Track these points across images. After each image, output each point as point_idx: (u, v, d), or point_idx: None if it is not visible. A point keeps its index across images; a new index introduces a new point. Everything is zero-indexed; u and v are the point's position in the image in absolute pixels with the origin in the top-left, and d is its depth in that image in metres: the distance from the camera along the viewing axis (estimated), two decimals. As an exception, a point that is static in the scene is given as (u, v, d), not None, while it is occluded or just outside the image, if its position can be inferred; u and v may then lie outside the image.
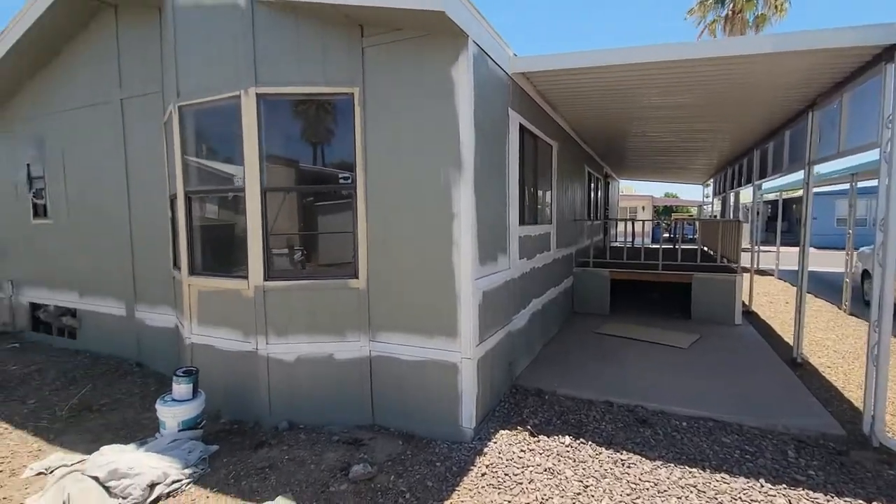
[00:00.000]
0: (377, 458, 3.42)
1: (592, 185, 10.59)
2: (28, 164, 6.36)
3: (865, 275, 8.84)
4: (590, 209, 10.04)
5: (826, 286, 11.33)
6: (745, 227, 12.72)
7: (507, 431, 3.78)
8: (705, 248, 11.85)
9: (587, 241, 9.34)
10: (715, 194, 14.42)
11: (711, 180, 14.96)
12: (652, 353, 5.71)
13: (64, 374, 5.20)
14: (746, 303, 8.47)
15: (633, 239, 14.32)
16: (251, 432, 3.86)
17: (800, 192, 27.94)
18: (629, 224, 14.65)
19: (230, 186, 4.05)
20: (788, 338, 6.62)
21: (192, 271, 4.28)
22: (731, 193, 11.91)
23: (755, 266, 8.56)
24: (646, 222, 15.83)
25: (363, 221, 3.86)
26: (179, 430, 3.50)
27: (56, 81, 5.93)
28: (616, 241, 15.93)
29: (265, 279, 3.87)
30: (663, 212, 42.59)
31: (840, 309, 8.64)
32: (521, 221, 4.91)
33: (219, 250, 4.35)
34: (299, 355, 3.93)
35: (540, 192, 5.89)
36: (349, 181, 3.87)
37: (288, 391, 3.95)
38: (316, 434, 3.78)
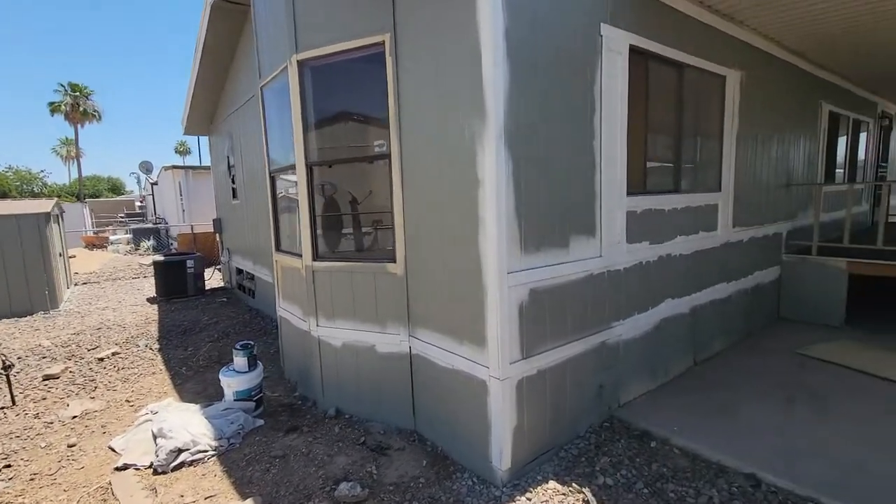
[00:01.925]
0: (386, 476, 2.89)
1: (844, 131, 7.15)
2: (227, 156, 7.90)
3: None
4: (831, 168, 6.82)
5: None
6: None
7: (559, 486, 2.71)
8: None
9: (822, 216, 6.37)
10: None
11: None
12: (888, 399, 3.40)
13: (228, 327, 6.33)
14: None
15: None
16: (304, 412, 3.82)
17: None
18: None
19: (290, 163, 3.99)
20: None
21: (278, 247, 4.47)
22: None
23: None
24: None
25: (399, 197, 3.26)
26: (235, 400, 3.69)
27: (232, 82, 7.09)
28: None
29: (313, 259, 3.70)
30: None
31: None
32: (635, 189, 3.45)
33: (291, 228, 4.42)
34: (344, 342, 3.66)
35: (691, 148, 4.09)
36: (384, 148, 3.30)
37: (336, 378, 3.75)
38: (352, 429, 3.48)
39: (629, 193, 3.36)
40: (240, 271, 8.21)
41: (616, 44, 3.11)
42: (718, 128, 4.30)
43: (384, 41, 3.15)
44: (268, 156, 4.40)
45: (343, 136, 3.75)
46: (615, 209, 3.26)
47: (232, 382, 3.69)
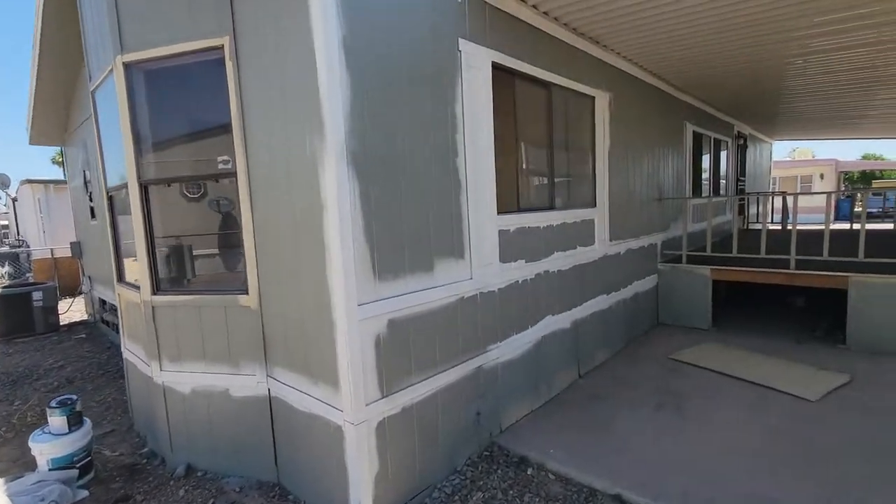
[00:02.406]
0: (230, 548, 2.47)
1: (707, 149, 7.94)
2: (83, 170, 6.85)
3: None
4: (698, 182, 7.51)
5: None
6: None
7: (426, 533, 2.48)
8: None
9: (692, 226, 6.96)
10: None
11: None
12: (749, 404, 3.65)
13: (75, 372, 5.38)
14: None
15: (786, 217, 10.77)
16: (147, 473, 3.23)
17: None
18: (791, 199, 11.44)
19: (121, 183, 3.42)
20: None
21: (120, 278, 3.83)
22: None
23: None
24: (830, 195, 11.79)
25: (248, 220, 2.88)
26: (51, 469, 3.02)
27: (85, 85, 6.16)
28: (770, 223, 12.26)
29: (153, 292, 3.16)
30: (858, 180, 33.04)
31: None
32: (507, 208, 3.39)
33: (129, 256, 3.82)
34: (194, 387, 3.15)
35: (565, 165, 4.18)
36: (229, 165, 2.91)
37: (185, 429, 3.22)
38: (202, 489, 2.99)
39: (500, 212, 3.28)
40: (103, 302, 7.11)
41: (477, 60, 3.03)
42: (591, 146, 4.45)
43: (223, 45, 2.78)
44: (103, 171, 3.77)
45: (185, 150, 3.28)
46: (486, 229, 3.15)
47: (46, 448, 3.01)
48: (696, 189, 7.45)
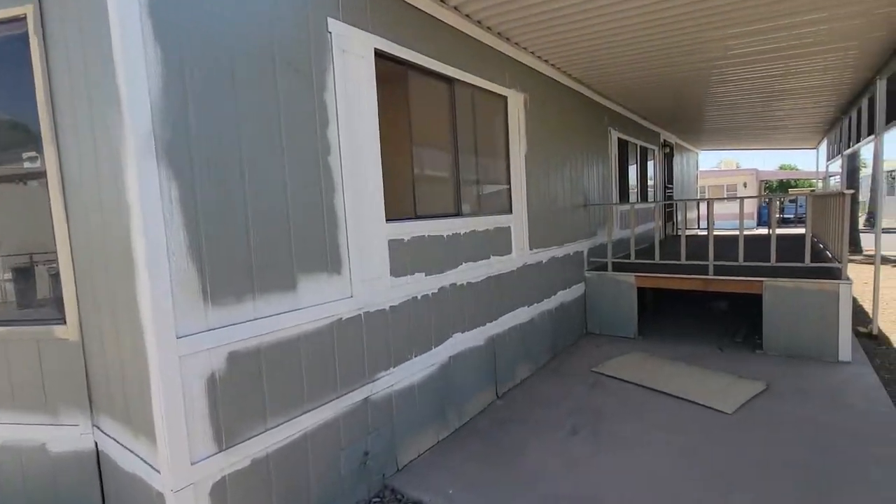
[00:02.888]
0: None
1: (634, 156, 8.00)
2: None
3: None
4: (625, 189, 7.52)
5: None
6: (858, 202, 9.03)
7: None
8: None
9: (620, 232, 6.91)
10: (830, 157, 10.68)
11: (825, 140, 11.15)
12: (666, 422, 3.44)
13: None
14: (868, 314, 5.51)
15: (708, 220, 11.16)
16: (-61, 558, 2.53)
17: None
18: (718, 206, 11.87)
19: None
20: (942, 392, 3.82)
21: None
22: (860, 148, 8.43)
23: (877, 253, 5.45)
24: (743, 200, 12.39)
25: (63, 232, 2.30)
26: None
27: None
28: (698, 229, 12.73)
29: (-55, 325, 2.49)
30: (777, 188, 35.78)
31: None
32: (400, 215, 3.01)
33: None
34: (2, 442, 2.50)
35: (473, 168, 3.87)
36: (38, 163, 2.34)
37: (-8, 496, 2.55)
38: (6, 576, 2.34)
39: (391, 219, 2.89)
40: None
41: (354, 44, 2.64)
42: (505, 149, 4.18)
43: (26, 15, 2.23)
44: None
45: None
46: (371, 238, 2.74)
47: None
48: (624, 196, 7.45)
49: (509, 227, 4.17)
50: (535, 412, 3.69)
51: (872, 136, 5.28)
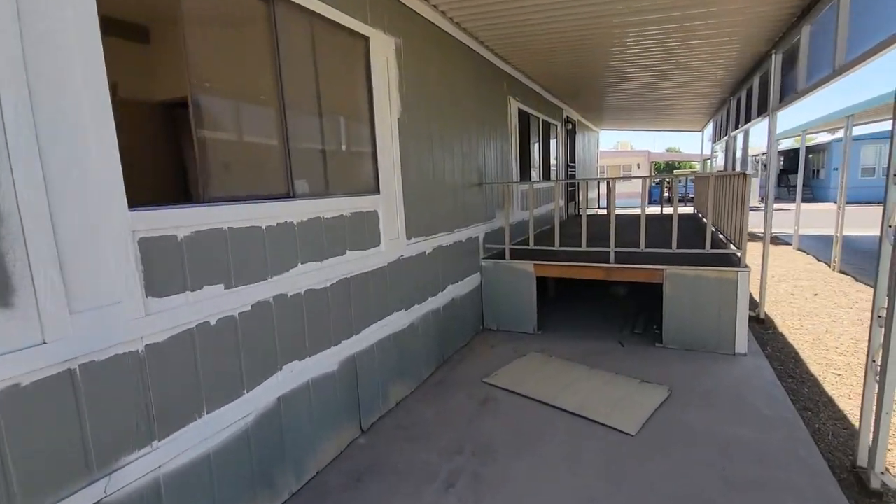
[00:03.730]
0: None
1: (536, 131, 7.43)
2: None
3: None
4: (526, 167, 6.93)
5: (868, 259, 8.28)
6: (754, 184, 9.53)
7: None
8: (707, 221, 8.74)
9: (521, 214, 6.31)
10: (715, 140, 11.15)
11: (711, 122, 11.64)
12: (565, 455, 2.79)
13: None
14: (755, 297, 5.49)
15: (609, 203, 11.21)
16: None
17: (820, 138, 24.28)
18: (614, 185, 11.84)
19: None
20: (837, 386, 3.66)
21: None
22: (737, 135, 8.68)
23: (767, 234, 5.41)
24: (634, 180, 12.69)
25: None
26: None
27: None
28: (598, 208, 12.82)
29: None
30: (664, 169, 38.93)
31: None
32: (165, 197, 1.91)
33: None
34: None
35: (315, 132, 2.82)
36: None
37: None
38: None
39: (141, 205, 1.78)
40: None
41: None
42: (368, 109, 3.18)
43: None
44: None
45: None
46: (94, 239, 1.62)
47: None
48: (526, 174, 6.85)
49: (376, 211, 3.22)
50: (405, 453, 2.86)
51: (766, 114, 5.09)
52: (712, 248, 4.40)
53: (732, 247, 4.42)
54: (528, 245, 4.96)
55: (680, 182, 23.98)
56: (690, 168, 37.16)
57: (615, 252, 4.54)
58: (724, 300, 4.11)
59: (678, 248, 4.33)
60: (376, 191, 3.24)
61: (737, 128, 7.76)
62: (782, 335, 4.82)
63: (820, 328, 4.95)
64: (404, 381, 3.60)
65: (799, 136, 12.26)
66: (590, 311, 5.62)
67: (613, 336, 4.77)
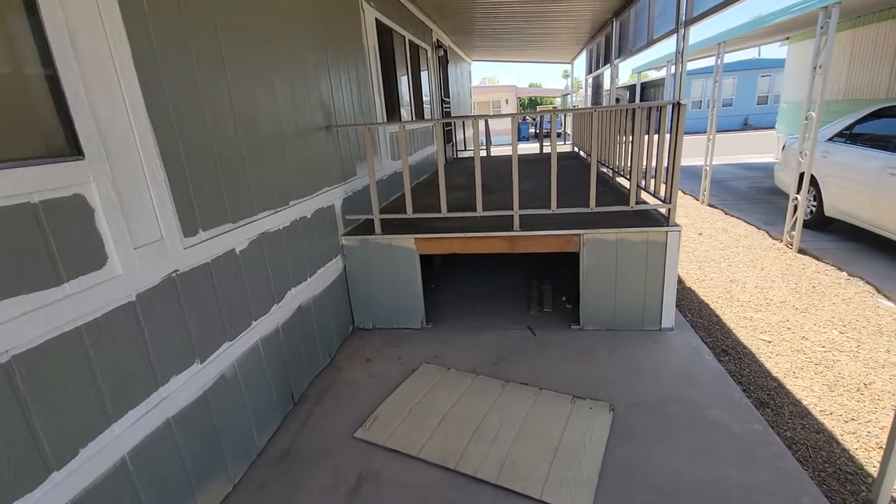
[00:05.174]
0: None
1: (402, 55, 5.83)
2: None
3: (799, 181, 5.77)
4: (393, 103, 5.39)
5: (723, 190, 8.66)
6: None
7: None
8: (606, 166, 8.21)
9: (392, 165, 4.86)
10: (590, 71, 10.68)
11: (585, 52, 11.10)
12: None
13: None
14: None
15: (489, 142, 10.30)
16: None
17: (660, 74, 26.38)
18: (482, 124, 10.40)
19: None
20: (775, 360, 3.12)
21: None
22: (611, 67, 8.12)
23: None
24: (504, 119, 11.87)
25: None
26: None
27: None
28: (472, 150, 11.71)
29: None
30: (528, 105, 39.78)
31: (774, 238, 5.64)
32: None
33: None
34: None
35: None
36: None
37: None
38: None
39: None
40: None
41: None
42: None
43: None
44: None
45: None
46: None
47: None
48: (393, 113, 5.32)
49: (81, 195, 1.52)
50: None
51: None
52: (621, 201, 3.53)
53: (653, 199, 3.63)
54: (405, 213, 3.59)
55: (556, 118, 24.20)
56: (551, 103, 38.56)
57: (519, 216, 3.42)
58: (650, 267, 3.31)
59: (597, 205, 3.36)
60: (74, 152, 1.51)
61: (597, 68, 7.11)
62: (691, 290, 4.35)
63: (722, 277, 4.60)
64: (217, 476, 2.12)
65: (640, 73, 12.50)
66: (487, 287, 4.58)
67: (520, 319, 3.79)
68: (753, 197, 8.03)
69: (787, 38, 12.11)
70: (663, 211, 3.40)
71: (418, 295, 3.68)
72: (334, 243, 3.52)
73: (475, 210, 3.46)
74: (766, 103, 24.38)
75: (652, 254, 3.28)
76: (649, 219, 3.43)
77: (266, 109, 2.61)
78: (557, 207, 3.38)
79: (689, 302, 4.09)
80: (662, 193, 3.46)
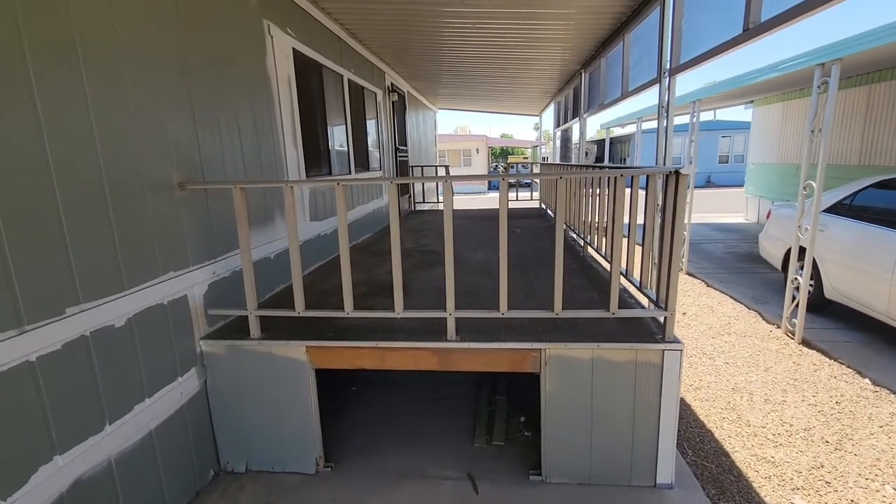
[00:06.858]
0: None
1: (339, 97, 4.93)
2: None
3: (788, 258, 5.00)
4: (319, 150, 4.40)
5: (696, 254, 8.00)
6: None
7: None
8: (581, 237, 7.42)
9: (315, 226, 3.81)
10: (557, 125, 10.16)
11: (553, 104, 10.65)
12: None
13: None
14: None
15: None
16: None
17: (627, 130, 26.98)
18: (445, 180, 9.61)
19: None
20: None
21: None
22: (580, 121, 7.53)
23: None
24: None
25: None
26: None
27: None
28: (437, 202, 10.52)
29: None
30: (500, 155, 40.18)
31: (769, 322, 4.80)
32: None
33: None
34: None
35: None
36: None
37: None
38: None
39: None
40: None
41: None
42: None
43: None
44: None
45: None
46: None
47: None
48: (319, 162, 4.33)
49: None
50: None
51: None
52: (603, 292, 2.57)
53: (643, 298, 2.68)
54: (294, 311, 2.48)
55: (524, 168, 23.45)
56: (522, 154, 39.03)
57: (455, 318, 2.39)
58: (640, 398, 2.30)
59: (566, 305, 2.36)
60: None
61: (566, 121, 6.49)
62: (687, 405, 3.36)
63: (722, 383, 3.65)
64: None
65: (610, 129, 12.25)
66: (421, 394, 3.46)
67: (460, 455, 2.68)
68: (733, 265, 7.35)
69: (752, 102, 12.15)
70: (658, 317, 2.44)
71: (312, 424, 2.54)
72: (185, 351, 2.38)
73: (393, 309, 2.40)
74: (728, 162, 25.14)
75: (642, 380, 2.28)
76: (637, 328, 2.46)
77: (31, 145, 1.53)
78: (509, 309, 2.36)
79: (686, 427, 3.09)
80: (652, 285, 2.52)
